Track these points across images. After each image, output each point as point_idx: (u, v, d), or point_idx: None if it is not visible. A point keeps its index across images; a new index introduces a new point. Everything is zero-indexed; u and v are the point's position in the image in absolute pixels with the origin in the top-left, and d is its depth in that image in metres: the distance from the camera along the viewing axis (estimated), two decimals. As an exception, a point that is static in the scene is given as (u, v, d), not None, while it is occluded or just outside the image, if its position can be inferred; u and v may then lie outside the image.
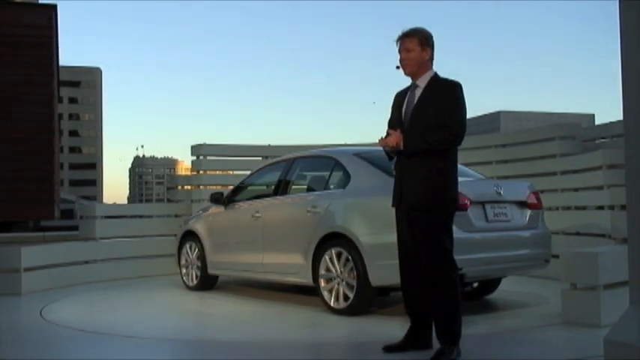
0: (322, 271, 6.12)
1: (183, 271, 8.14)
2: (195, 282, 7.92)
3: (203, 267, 7.78)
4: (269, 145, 11.93)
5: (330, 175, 6.67)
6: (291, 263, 6.50)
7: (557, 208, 8.71)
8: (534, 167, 9.67)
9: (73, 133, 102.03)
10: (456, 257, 4.90)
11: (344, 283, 5.90)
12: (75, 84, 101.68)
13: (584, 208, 8.78)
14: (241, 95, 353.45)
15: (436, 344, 4.24)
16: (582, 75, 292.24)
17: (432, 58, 4.37)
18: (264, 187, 8.44)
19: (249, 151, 11.90)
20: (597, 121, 70.20)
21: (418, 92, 4.33)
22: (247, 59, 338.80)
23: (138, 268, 9.52)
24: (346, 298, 5.89)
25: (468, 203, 5.60)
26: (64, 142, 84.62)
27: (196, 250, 7.92)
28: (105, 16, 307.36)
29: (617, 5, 3.57)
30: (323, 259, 6.11)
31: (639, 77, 3.55)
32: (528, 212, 6.18)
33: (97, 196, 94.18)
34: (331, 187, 6.61)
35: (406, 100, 4.39)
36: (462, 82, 4.40)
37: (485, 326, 5.25)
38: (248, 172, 8.27)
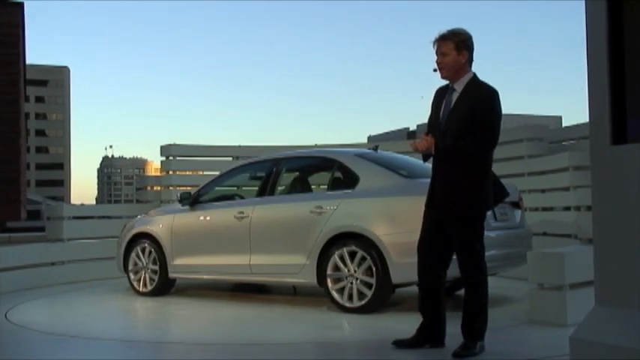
0: (330, 271, 6.12)
1: (132, 276, 7.69)
2: (150, 287, 7.50)
3: (162, 271, 7.41)
4: (239, 145, 11.90)
5: (332, 176, 6.69)
6: (289, 264, 6.42)
7: (525, 209, 8.83)
8: (502, 168, 9.75)
9: (40, 133, 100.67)
10: None
11: (358, 281, 5.94)
12: (42, 83, 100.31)
13: (551, 208, 8.91)
14: (212, 95, 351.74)
15: (449, 342, 4.36)
16: (550, 76, 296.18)
17: (470, 61, 4.36)
18: (242, 188, 8.37)
19: (220, 151, 11.86)
20: (565, 123, 71.16)
21: (455, 96, 4.36)
22: (218, 57, 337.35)
23: (106, 269, 9.37)
24: (361, 296, 5.93)
25: None
26: (30, 141, 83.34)
27: (152, 253, 7.53)
28: (73, 14, 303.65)
29: (584, 5, 3.61)
30: (332, 259, 6.10)
31: (605, 79, 3.61)
32: (519, 212, 6.62)
33: (64, 197, 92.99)
34: (334, 187, 6.63)
35: (444, 102, 4.42)
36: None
37: (453, 325, 5.29)
38: (218, 172, 8.16)
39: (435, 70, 4.40)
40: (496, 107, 4.31)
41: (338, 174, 6.71)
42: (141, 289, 7.57)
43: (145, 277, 7.57)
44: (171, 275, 7.43)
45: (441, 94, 4.49)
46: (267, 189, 6.94)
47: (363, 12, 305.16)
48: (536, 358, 4.40)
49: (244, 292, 7.75)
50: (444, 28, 4.35)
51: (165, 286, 7.53)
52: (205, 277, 7.40)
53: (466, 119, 4.26)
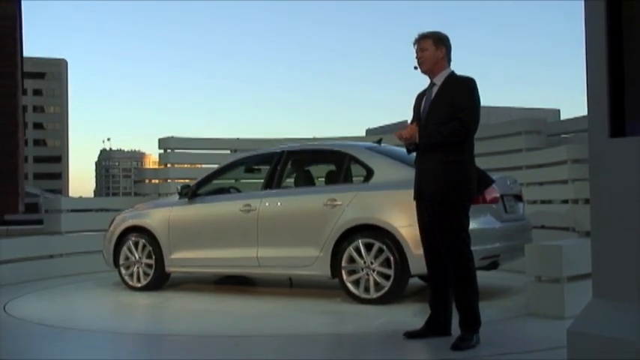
0: (344, 263, 6.18)
1: (123, 270, 7.53)
2: (144, 281, 7.36)
3: (158, 265, 7.28)
4: (237, 138, 11.91)
5: (344, 169, 6.74)
6: (300, 256, 6.44)
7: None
8: (500, 161, 9.79)
9: (38, 126, 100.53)
10: (495, 245, 5.86)
11: (375, 273, 6.04)
12: (39, 75, 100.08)
13: (549, 201, 8.93)
14: (210, 87, 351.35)
15: (455, 331, 4.42)
16: (548, 69, 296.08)
17: (447, 58, 4.58)
18: (240, 181, 8.33)
19: (218, 144, 11.87)
20: (563, 117, 71.24)
21: (435, 90, 4.54)
22: (216, 50, 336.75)
23: (104, 262, 9.39)
24: (378, 287, 6.03)
25: (499, 196, 6.18)
26: (28, 134, 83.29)
27: (146, 247, 7.38)
28: (70, 7, 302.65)
29: (583, 2, 3.63)
30: (347, 251, 6.17)
31: (603, 73, 3.61)
32: (521, 205, 6.78)
33: (62, 190, 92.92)
34: (346, 180, 6.70)
35: (425, 98, 4.61)
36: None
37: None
38: (216, 166, 8.13)
39: (415, 68, 4.61)
40: (475, 93, 4.46)
41: (350, 167, 6.76)
42: (134, 284, 7.43)
43: (138, 272, 7.42)
44: (169, 269, 7.31)
45: (420, 96, 4.68)
46: (273, 182, 6.89)
47: (361, 5, 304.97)
48: (533, 350, 4.41)
49: (245, 285, 7.77)
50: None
51: (160, 281, 7.41)
52: (207, 270, 7.36)
53: (447, 109, 4.41)
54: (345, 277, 6.19)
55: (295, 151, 7.20)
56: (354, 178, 6.96)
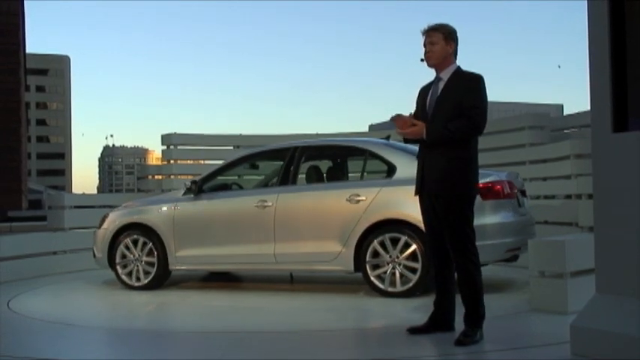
0: (368, 258, 6.24)
1: (120, 269, 7.25)
2: (144, 280, 7.12)
3: (161, 263, 7.06)
4: (240, 134, 11.94)
5: (363, 165, 6.77)
6: (322, 252, 6.45)
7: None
8: (504, 156, 9.79)
9: (41, 122, 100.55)
10: (516, 238, 6.18)
11: (401, 267, 6.11)
12: (42, 72, 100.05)
13: (552, 196, 8.92)
14: (212, 83, 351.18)
15: (458, 327, 4.41)
16: (552, 64, 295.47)
17: (455, 52, 4.53)
18: (251, 177, 8.28)
19: (221, 140, 11.88)
20: (566, 112, 71.19)
21: (441, 85, 4.50)
22: (220, 46, 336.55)
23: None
24: (405, 281, 6.12)
25: (516, 192, 6.36)
26: (31, 131, 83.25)
27: (146, 244, 7.14)
28: (73, 3, 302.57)
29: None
30: (371, 246, 6.23)
31: (606, 69, 3.60)
32: (525, 200, 6.87)
33: (65, 186, 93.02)
34: (367, 176, 6.75)
35: (430, 92, 4.55)
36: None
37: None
38: (219, 162, 8.10)
39: (422, 60, 4.56)
40: (482, 90, 4.43)
41: (369, 163, 6.77)
42: (133, 283, 7.19)
43: (138, 270, 7.18)
44: (173, 267, 7.13)
45: (424, 90, 4.63)
46: (289, 178, 6.84)
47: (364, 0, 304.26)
48: (537, 346, 4.41)
49: (253, 282, 7.76)
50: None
51: (161, 279, 7.21)
52: (217, 267, 7.33)
53: (454, 104, 4.37)
54: (369, 271, 6.24)
55: (310, 147, 7.18)
56: (368, 174, 6.95)
